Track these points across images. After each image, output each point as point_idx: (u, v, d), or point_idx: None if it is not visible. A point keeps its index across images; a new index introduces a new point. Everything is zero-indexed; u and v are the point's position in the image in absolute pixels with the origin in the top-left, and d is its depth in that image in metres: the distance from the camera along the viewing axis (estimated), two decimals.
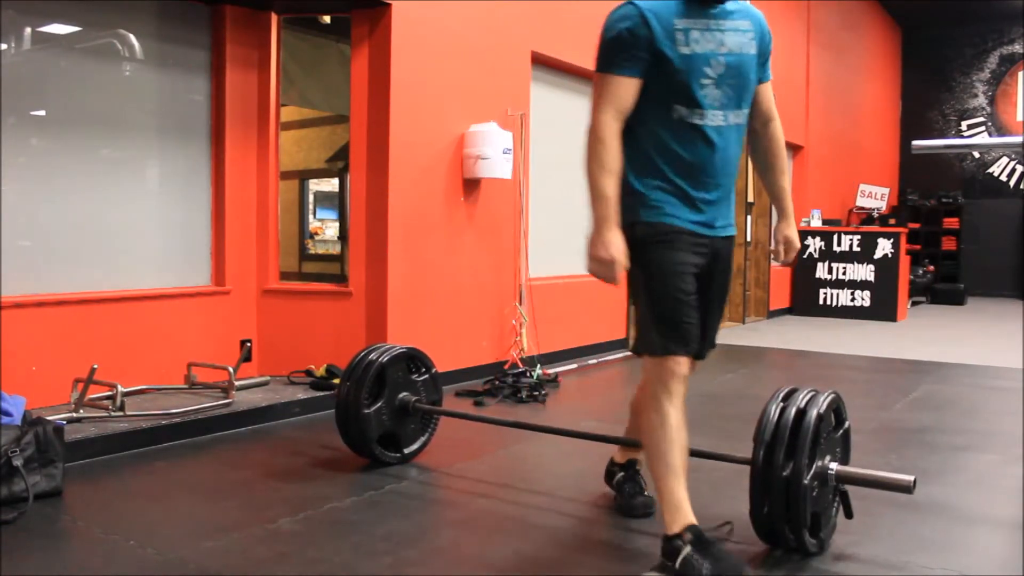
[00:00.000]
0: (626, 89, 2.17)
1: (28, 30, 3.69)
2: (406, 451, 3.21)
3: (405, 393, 3.19)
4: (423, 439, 3.28)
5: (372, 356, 3.14)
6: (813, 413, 2.25)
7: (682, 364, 2.17)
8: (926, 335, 8.17)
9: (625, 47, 2.15)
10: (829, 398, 2.34)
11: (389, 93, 4.45)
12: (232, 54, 4.35)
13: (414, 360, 3.27)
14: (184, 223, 4.29)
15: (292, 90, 4.90)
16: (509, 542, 2.46)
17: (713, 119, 2.19)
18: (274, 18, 4.51)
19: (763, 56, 2.30)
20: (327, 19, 4.96)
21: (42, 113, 3.76)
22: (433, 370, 3.30)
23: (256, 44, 4.47)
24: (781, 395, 2.35)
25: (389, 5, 4.45)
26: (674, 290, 2.17)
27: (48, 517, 2.57)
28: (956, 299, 11.80)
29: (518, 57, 5.43)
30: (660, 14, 2.15)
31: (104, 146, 3.96)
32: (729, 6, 2.22)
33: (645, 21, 2.14)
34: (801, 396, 2.32)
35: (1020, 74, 13.17)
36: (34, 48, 3.74)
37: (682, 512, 2.15)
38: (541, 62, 5.77)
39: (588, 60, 6.69)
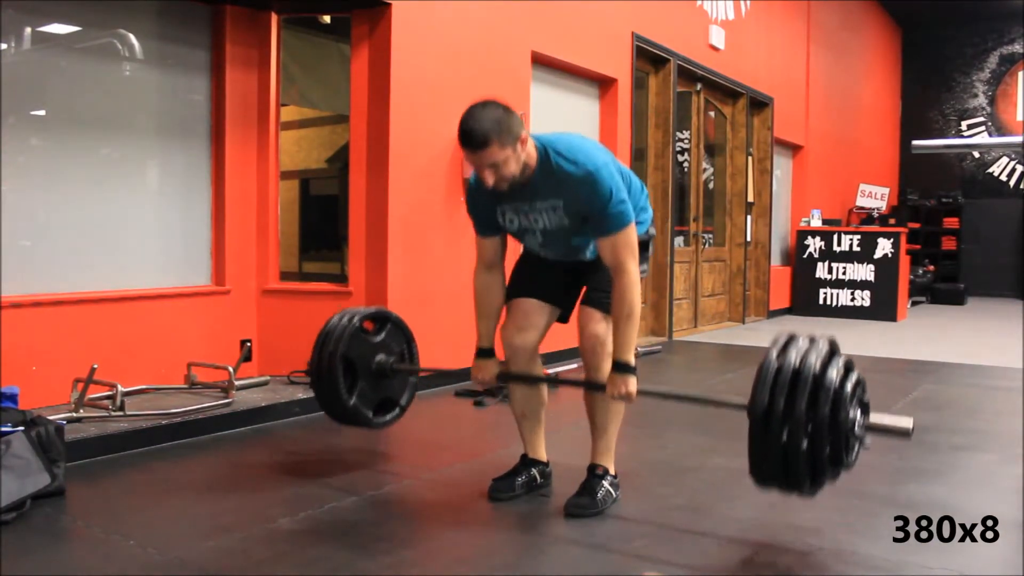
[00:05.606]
0: (485, 247, 2.65)
1: (28, 30, 3.70)
2: (403, 403, 3.19)
3: (379, 357, 3.08)
4: (413, 380, 3.23)
5: (330, 348, 2.98)
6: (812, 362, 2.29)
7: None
8: (926, 335, 8.17)
9: (472, 218, 2.65)
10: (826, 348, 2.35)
11: (389, 93, 4.45)
12: (232, 54, 4.35)
13: (372, 321, 3.13)
14: (184, 223, 4.29)
15: (292, 90, 4.90)
16: (509, 543, 2.47)
17: (545, 254, 2.66)
18: (274, 18, 4.51)
19: (591, 217, 2.43)
20: (327, 19, 4.96)
21: (42, 113, 3.76)
22: (393, 317, 3.17)
23: (256, 44, 4.47)
24: (779, 345, 2.36)
25: (389, 5, 4.45)
26: None
27: (48, 517, 2.57)
28: (956, 299, 11.79)
29: (518, 57, 5.43)
30: (479, 200, 2.58)
31: (104, 146, 3.96)
32: (540, 183, 2.42)
33: (474, 201, 2.61)
34: (799, 346, 2.36)
35: (1020, 74, 13.17)
36: (34, 48, 3.74)
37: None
38: (541, 62, 5.78)
39: (588, 60, 6.66)
